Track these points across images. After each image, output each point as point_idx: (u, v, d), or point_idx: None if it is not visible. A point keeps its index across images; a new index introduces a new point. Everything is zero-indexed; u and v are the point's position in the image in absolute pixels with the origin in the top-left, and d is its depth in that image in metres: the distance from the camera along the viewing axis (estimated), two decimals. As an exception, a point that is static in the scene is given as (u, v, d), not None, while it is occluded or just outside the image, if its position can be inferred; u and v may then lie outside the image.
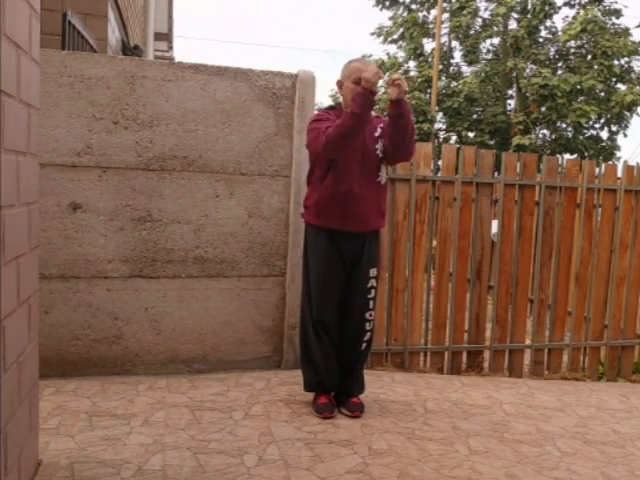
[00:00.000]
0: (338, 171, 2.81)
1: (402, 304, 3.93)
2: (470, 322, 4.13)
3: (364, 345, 2.99)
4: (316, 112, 3.13)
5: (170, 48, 10.16)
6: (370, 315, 2.96)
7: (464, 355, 4.12)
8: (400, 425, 2.86)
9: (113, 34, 4.80)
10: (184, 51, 51.77)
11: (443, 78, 16.50)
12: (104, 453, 2.34)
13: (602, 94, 15.25)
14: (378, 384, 3.45)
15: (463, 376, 3.97)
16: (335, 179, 2.81)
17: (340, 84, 2.94)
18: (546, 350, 4.35)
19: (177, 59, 9.93)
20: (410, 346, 3.95)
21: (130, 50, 5.64)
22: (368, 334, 2.98)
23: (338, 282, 2.89)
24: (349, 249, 2.88)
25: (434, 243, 4.14)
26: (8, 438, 1.73)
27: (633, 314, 4.59)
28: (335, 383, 2.97)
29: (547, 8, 15.30)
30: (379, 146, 2.88)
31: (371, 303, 2.95)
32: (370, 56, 16.47)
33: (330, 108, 3.02)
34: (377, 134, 2.88)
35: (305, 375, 3.01)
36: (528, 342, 4.37)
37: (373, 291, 2.96)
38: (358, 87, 2.72)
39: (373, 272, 2.95)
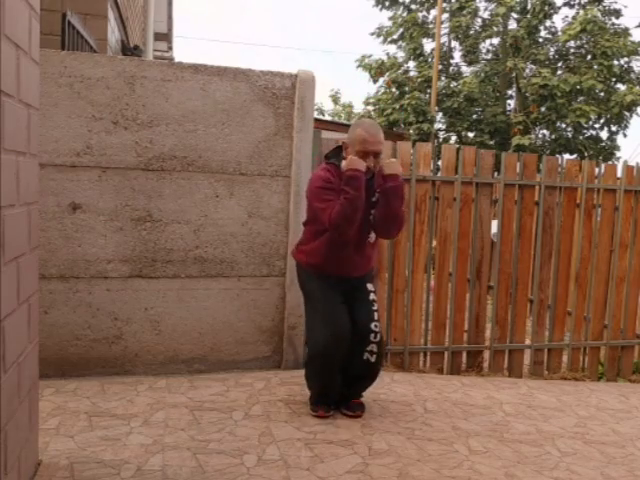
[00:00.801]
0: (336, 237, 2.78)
1: (402, 304, 3.93)
2: (470, 322, 4.13)
3: (375, 356, 2.90)
4: (319, 171, 2.89)
5: (170, 48, 10.16)
6: (375, 326, 2.89)
7: (464, 355, 4.12)
8: (400, 425, 2.86)
9: (113, 34, 4.80)
10: (184, 51, 51.81)
11: (443, 78, 16.48)
12: (104, 453, 2.34)
13: (602, 94, 15.22)
14: (378, 384, 3.44)
15: (463, 376, 3.97)
16: (332, 242, 2.79)
17: (346, 146, 2.86)
18: (546, 350, 4.35)
19: (177, 59, 9.94)
20: (410, 346, 3.95)
21: (130, 50, 5.64)
22: (374, 345, 2.90)
23: (341, 300, 2.86)
24: (341, 285, 2.89)
25: (434, 243, 4.14)
26: (8, 438, 1.73)
27: (633, 314, 4.58)
28: (337, 398, 2.95)
29: (547, 8, 15.27)
30: (373, 211, 2.83)
31: (375, 315, 2.91)
32: (370, 56, 16.43)
33: (331, 162, 2.87)
34: (374, 199, 2.82)
35: (310, 391, 2.99)
36: (528, 342, 4.37)
37: (375, 304, 2.95)
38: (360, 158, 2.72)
39: (370, 287, 2.96)
